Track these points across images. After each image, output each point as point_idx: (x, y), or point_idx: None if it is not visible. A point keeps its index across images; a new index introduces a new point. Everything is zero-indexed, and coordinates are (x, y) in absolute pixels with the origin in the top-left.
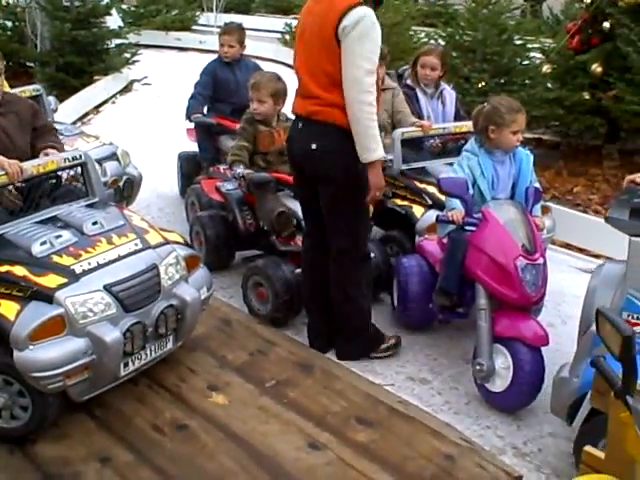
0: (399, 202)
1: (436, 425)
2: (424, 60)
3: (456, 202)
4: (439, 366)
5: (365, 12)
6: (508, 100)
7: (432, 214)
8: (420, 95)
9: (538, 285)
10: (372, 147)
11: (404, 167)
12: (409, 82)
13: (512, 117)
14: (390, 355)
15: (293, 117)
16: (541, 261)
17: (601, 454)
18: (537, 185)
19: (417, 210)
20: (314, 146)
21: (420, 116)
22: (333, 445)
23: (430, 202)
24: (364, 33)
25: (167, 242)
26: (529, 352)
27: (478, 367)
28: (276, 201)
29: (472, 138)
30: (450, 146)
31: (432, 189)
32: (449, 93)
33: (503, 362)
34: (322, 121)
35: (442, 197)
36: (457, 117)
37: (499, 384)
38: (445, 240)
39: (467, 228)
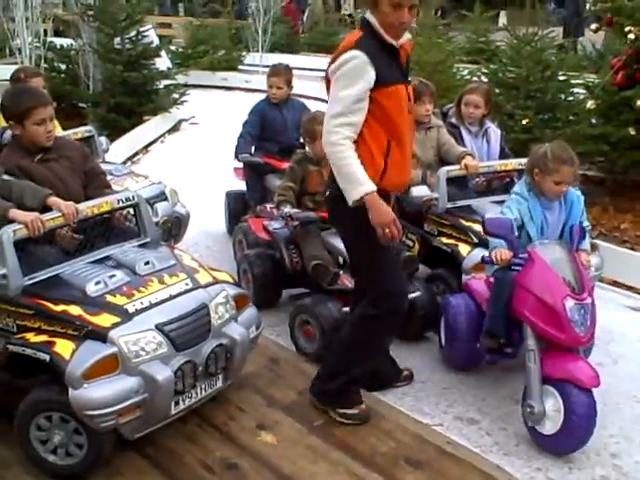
0: (445, 240)
1: (486, 467)
2: (468, 98)
3: (500, 242)
4: (487, 406)
5: (353, 55)
6: (561, 148)
7: (478, 253)
8: (464, 133)
9: (587, 325)
10: (348, 187)
11: (449, 205)
12: (453, 120)
13: (556, 166)
14: (351, 424)
15: None
16: (589, 300)
17: None
18: (586, 223)
19: (463, 248)
20: (327, 193)
21: None
22: None
23: (476, 240)
24: (344, 75)
25: (217, 281)
26: (580, 394)
27: (529, 409)
28: (316, 246)
29: (522, 180)
30: (495, 184)
31: (478, 227)
32: (494, 131)
33: (554, 404)
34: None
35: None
36: (502, 155)
37: (550, 427)
38: (492, 279)
39: (513, 268)
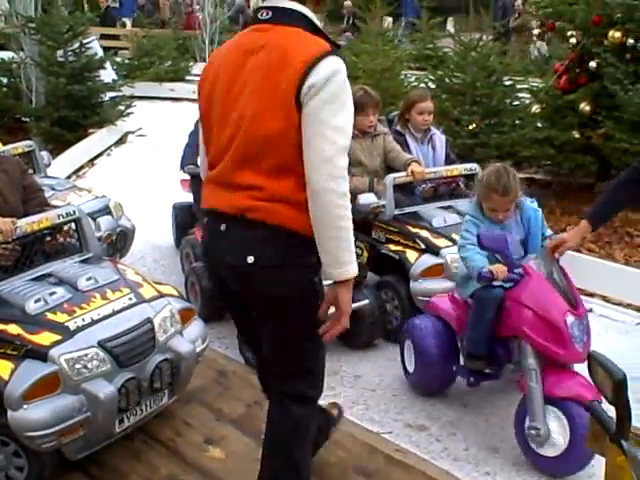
0: (392, 247)
1: (435, 473)
2: (422, 106)
3: (481, 258)
4: (436, 411)
5: (339, 65)
6: (497, 175)
7: (426, 259)
8: (410, 140)
9: (584, 340)
10: (347, 259)
11: (397, 212)
12: (398, 128)
13: (487, 193)
14: None
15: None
16: (585, 315)
17: None
18: (548, 232)
19: (411, 255)
20: (251, 259)
21: None
22: None
23: (423, 246)
24: (338, 94)
25: (161, 295)
26: (584, 412)
27: (534, 432)
28: None
29: (473, 201)
30: (442, 190)
31: (425, 233)
32: (439, 137)
33: (558, 424)
34: (262, 222)
35: (435, 241)
36: (448, 161)
37: (553, 448)
38: (467, 299)
39: (503, 285)
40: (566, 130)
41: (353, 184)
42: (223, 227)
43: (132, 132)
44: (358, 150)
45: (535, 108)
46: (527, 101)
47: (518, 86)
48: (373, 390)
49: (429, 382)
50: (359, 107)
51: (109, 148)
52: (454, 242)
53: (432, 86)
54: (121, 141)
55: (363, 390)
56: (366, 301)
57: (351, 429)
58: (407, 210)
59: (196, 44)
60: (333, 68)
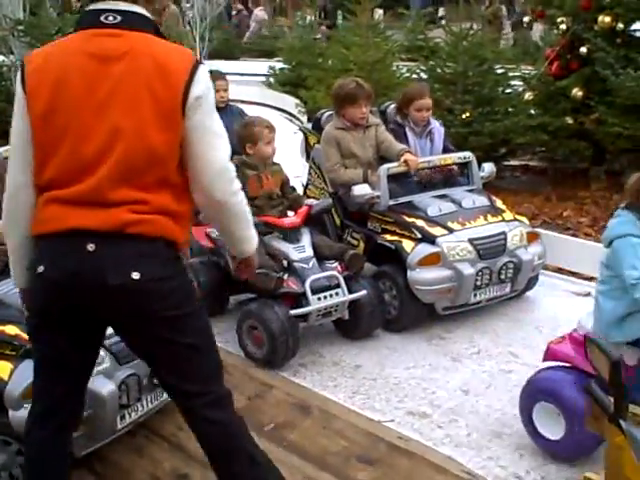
0: (389, 237)
1: (437, 459)
2: (421, 103)
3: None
4: (438, 399)
5: (207, 72)
6: None
7: (422, 248)
8: (409, 133)
9: None
10: (253, 233)
11: (392, 202)
12: (398, 119)
13: None
14: None
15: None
16: None
17: (600, 478)
18: None
19: (407, 244)
20: (136, 275)
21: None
22: None
23: (420, 236)
24: (213, 102)
25: None
26: None
27: None
28: (258, 253)
29: (620, 216)
30: (436, 178)
31: (421, 223)
32: (437, 130)
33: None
34: (145, 235)
35: (431, 230)
36: (445, 152)
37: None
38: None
39: None
40: (559, 116)
41: (347, 176)
42: (91, 247)
43: None
44: (351, 142)
45: (528, 95)
46: (519, 88)
47: (510, 74)
48: (374, 379)
49: (586, 444)
50: (351, 99)
51: None
52: (450, 230)
53: (424, 76)
54: None
55: (364, 380)
56: (364, 292)
57: (353, 418)
58: (402, 200)
59: (187, 42)
60: (207, 76)
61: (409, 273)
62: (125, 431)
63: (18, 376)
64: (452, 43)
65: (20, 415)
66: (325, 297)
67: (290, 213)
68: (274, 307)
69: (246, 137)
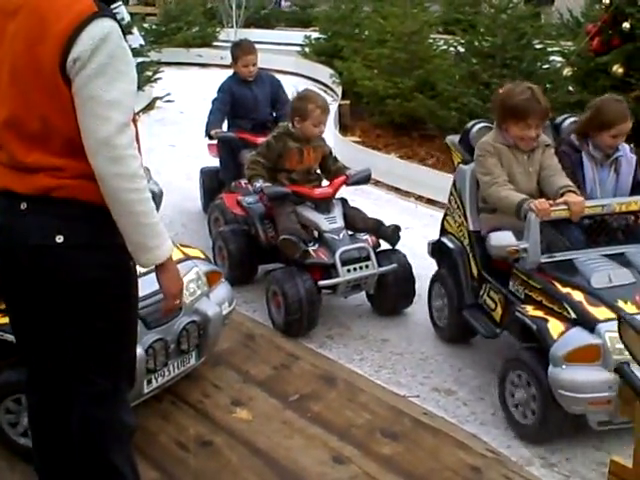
0: (530, 311)
1: (462, 436)
2: (620, 129)
3: None
4: (464, 376)
5: (108, 28)
6: None
7: (576, 335)
8: (586, 161)
9: None
10: (153, 244)
11: (544, 259)
12: (574, 141)
13: None
14: None
15: None
16: None
17: (628, 463)
18: None
19: (554, 326)
20: (60, 238)
21: (581, 188)
22: (358, 459)
23: (574, 316)
24: (110, 63)
25: (188, 258)
26: None
27: None
28: (288, 221)
29: None
30: (613, 228)
31: (579, 296)
32: (627, 159)
33: None
34: (71, 199)
35: (592, 309)
36: (635, 191)
37: None
38: None
39: None
40: (598, 93)
41: (507, 198)
42: (24, 206)
43: (160, 98)
44: (513, 164)
45: (567, 71)
46: (558, 64)
47: (549, 49)
48: (400, 354)
49: None
50: (521, 114)
51: (137, 114)
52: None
53: (461, 49)
54: (149, 107)
55: (390, 354)
56: (394, 265)
57: (377, 392)
58: (558, 257)
59: (223, 9)
60: (101, 34)
61: (551, 369)
62: (151, 396)
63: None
64: (491, 16)
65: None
66: (355, 269)
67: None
68: (296, 276)
69: (297, 110)
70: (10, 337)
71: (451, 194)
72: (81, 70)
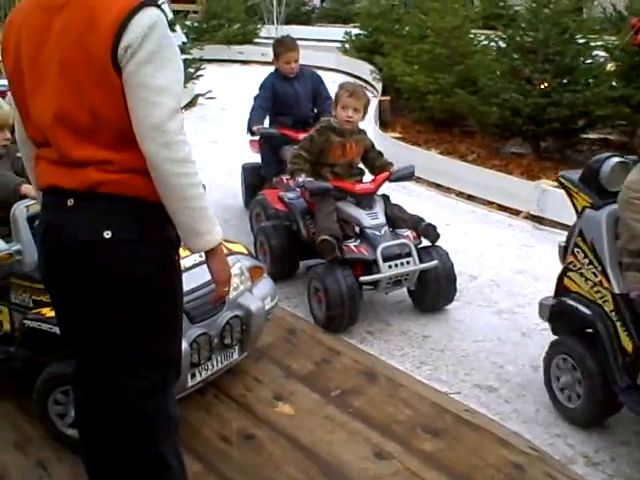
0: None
1: (504, 434)
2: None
3: None
4: (506, 373)
5: (155, 17)
6: None
7: None
8: None
9: None
10: (205, 228)
11: None
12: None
13: None
14: None
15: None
16: None
17: None
18: None
19: None
20: (108, 234)
21: None
22: (399, 454)
23: None
24: (157, 51)
25: (231, 253)
26: None
27: None
28: (327, 220)
29: None
30: None
31: None
32: None
33: None
34: (117, 194)
35: None
36: None
37: None
38: None
39: None
40: None
41: None
42: (70, 202)
43: (202, 94)
44: None
45: (610, 66)
46: (602, 59)
47: (592, 44)
48: (441, 351)
49: None
50: None
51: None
52: None
53: (502, 45)
54: (191, 104)
55: (431, 351)
56: (435, 262)
57: (419, 389)
58: None
59: (264, 6)
60: (149, 22)
61: None
62: (195, 389)
63: None
64: (533, 10)
65: None
66: (396, 265)
67: (367, 179)
68: (337, 271)
69: (335, 98)
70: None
71: (576, 245)
72: (132, 57)
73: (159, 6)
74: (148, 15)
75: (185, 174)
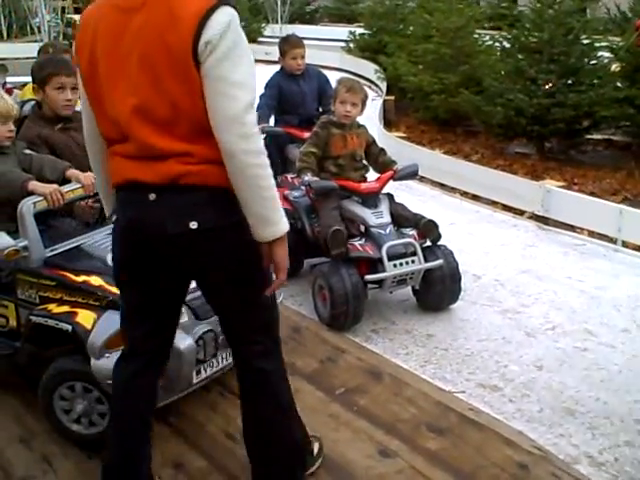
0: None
1: (508, 433)
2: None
3: None
4: (510, 373)
5: (231, 16)
6: None
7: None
8: None
9: None
10: (274, 217)
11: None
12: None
13: None
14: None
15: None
16: None
17: None
18: None
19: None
20: (194, 224)
21: None
22: (404, 453)
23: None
24: (234, 48)
25: None
26: None
27: None
28: (330, 218)
29: None
30: None
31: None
32: None
33: None
34: (198, 185)
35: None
36: None
37: None
38: None
39: None
40: None
41: None
42: (152, 196)
43: None
44: None
45: (615, 67)
46: (606, 60)
47: (597, 44)
48: (445, 350)
49: None
50: None
51: None
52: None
53: (507, 45)
54: None
55: (435, 349)
56: (440, 261)
57: (423, 387)
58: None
59: (268, 5)
60: (227, 20)
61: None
62: (200, 386)
63: (101, 326)
64: (538, 11)
65: (101, 364)
66: (401, 264)
67: (372, 177)
68: (342, 270)
69: (333, 93)
70: (66, 326)
71: None
72: (211, 53)
73: (234, 5)
74: (225, 13)
75: (260, 165)
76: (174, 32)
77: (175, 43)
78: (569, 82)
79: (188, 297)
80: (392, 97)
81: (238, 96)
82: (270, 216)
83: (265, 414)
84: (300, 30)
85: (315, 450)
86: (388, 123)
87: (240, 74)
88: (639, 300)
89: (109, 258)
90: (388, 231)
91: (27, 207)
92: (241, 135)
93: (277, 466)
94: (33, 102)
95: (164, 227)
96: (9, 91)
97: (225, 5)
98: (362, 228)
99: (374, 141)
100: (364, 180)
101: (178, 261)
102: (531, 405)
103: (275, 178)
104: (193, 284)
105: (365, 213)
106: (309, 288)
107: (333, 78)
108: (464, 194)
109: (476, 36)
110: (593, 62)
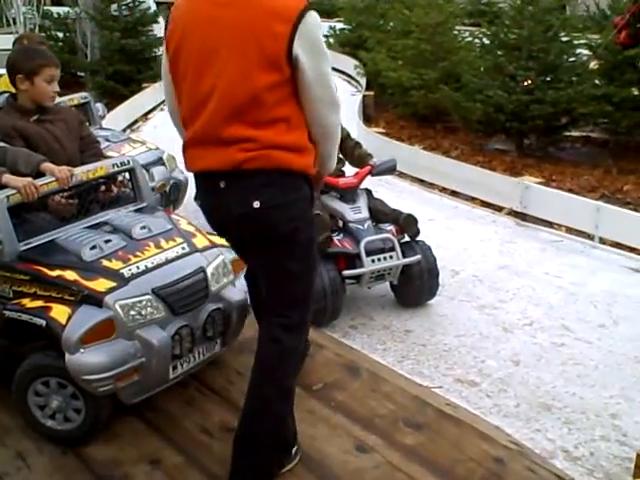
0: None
1: (485, 428)
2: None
3: None
4: (487, 368)
5: (317, 17)
6: None
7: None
8: None
9: None
10: (335, 153)
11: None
12: None
13: None
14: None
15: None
16: None
17: None
18: None
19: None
20: (257, 204)
21: None
22: (381, 448)
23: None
24: (321, 44)
25: (214, 245)
26: None
27: None
28: (316, 204)
29: None
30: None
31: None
32: None
33: None
34: (261, 169)
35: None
36: None
37: None
38: None
39: None
40: (625, 87)
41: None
42: (223, 184)
43: None
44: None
45: (593, 64)
46: (585, 57)
47: (576, 42)
48: (423, 345)
49: None
50: None
51: (162, 102)
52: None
53: (486, 41)
54: None
55: (413, 345)
56: (418, 257)
57: (401, 383)
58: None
59: None
60: (315, 22)
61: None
62: (177, 381)
63: (76, 321)
64: (517, 8)
65: (76, 359)
66: (379, 259)
67: (350, 172)
68: (320, 265)
69: None
70: (40, 321)
71: None
72: (304, 49)
73: (316, 8)
74: (313, 15)
75: (339, 129)
76: (268, 30)
77: (268, 41)
78: (548, 79)
79: (164, 291)
80: (372, 92)
81: (330, 84)
82: (335, 154)
83: (268, 393)
84: None
85: (293, 450)
86: (368, 119)
87: (327, 66)
88: (615, 296)
89: (84, 252)
90: (366, 226)
91: (0, 200)
92: (337, 113)
93: (259, 456)
94: (7, 94)
95: (231, 210)
96: None
97: (313, 9)
98: (340, 223)
99: (348, 135)
100: (341, 174)
101: (244, 236)
102: (508, 400)
103: None
104: (169, 279)
105: (343, 208)
106: None
107: None
108: (443, 190)
109: (456, 32)
110: (572, 59)
